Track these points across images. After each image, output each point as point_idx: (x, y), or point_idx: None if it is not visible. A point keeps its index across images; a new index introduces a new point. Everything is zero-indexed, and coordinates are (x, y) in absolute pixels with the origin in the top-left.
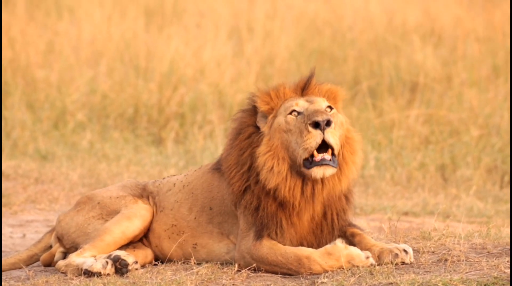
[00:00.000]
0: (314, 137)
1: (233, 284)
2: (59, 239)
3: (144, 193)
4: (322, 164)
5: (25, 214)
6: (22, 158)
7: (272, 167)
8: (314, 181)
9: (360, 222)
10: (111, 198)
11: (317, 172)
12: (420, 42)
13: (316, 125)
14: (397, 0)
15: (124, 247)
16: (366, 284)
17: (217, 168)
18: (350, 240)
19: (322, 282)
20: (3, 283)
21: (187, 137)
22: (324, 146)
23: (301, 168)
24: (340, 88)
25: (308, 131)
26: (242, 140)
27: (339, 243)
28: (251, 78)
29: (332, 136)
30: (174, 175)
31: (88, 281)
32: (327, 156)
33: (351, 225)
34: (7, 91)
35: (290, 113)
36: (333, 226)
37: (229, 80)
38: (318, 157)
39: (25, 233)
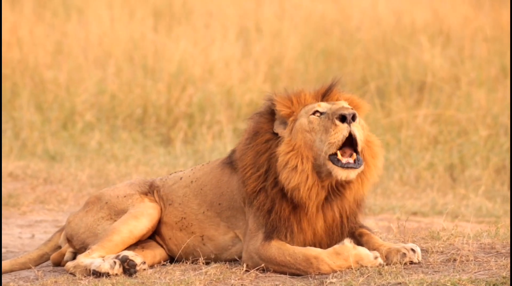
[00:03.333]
0: (341, 131)
1: (241, 284)
2: (69, 240)
3: (150, 189)
4: (347, 167)
5: (34, 215)
6: (31, 159)
7: (296, 166)
8: (337, 185)
9: (369, 222)
10: (118, 197)
11: (341, 174)
12: (428, 42)
13: (343, 118)
14: (405, 0)
15: (132, 247)
16: (375, 284)
17: (228, 162)
18: (358, 240)
19: (331, 282)
20: (12, 283)
21: (196, 137)
22: (348, 144)
23: (326, 164)
24: (364, 102)
25: (335, 124)
26: (259, 143)
27: (348, 243)
28: (259, 78)
29: (358, 130)
30: (181, 171)
31: (97, 282)
32: (351, 160)
33: (360, 225)
34: (16, 92)
35: (313, 114)
36: (343, 229)
37: (237, 80)
38: (343, 160)
39: (34, 233)
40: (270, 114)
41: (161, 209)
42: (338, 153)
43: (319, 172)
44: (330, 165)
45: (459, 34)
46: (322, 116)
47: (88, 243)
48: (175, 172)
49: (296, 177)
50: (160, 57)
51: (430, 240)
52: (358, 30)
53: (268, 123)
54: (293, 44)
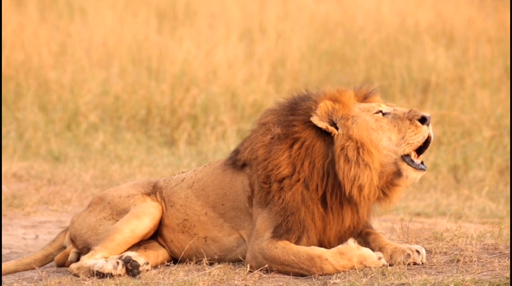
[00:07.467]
0: (423, 132)
1: (245, 285)
2: (72, 240)
3: (153, 190)
4: (420, 169)
5: (37, 215)
6: (34, 159)
7: (368, 163)
8: (387, 187)
9: (372, 223)
10: (121, 197)
11: (414, 174)
12: (431, 42)
13: (423, 120)
14: (409, 1)
15: (135, 247)
16: (378, 284)
17: (230, 163)
18: (365, 238)
19: (334, 283)
20: (16, 284)
21: (200, 138)
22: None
23: (398, 164)
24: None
25: (416, 126)
26: (297, 148)
27: (351, 243)
28: (262, 79)
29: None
30: (184, 172)
31: (100, 282)
32: (418, 161)
33: (367, 226)
34: (20, 93)
35: (376, 113)
36: (356, 231)
37: (241, 81)
38: (418, 160)
39: (38, 234)
40: (305, 115)
41: (163, 210)
42: (413, 154)
43: (381, 172)
44: (404, 165)
45: (462, 35)
46: (387, 116)
47: (90, 242)
48: (179, 173)
49: (366, 174)
50: (163, 58)
51: (433, 241)
52: (362, 31)
53: (304, 125)
54: (296, 45)
